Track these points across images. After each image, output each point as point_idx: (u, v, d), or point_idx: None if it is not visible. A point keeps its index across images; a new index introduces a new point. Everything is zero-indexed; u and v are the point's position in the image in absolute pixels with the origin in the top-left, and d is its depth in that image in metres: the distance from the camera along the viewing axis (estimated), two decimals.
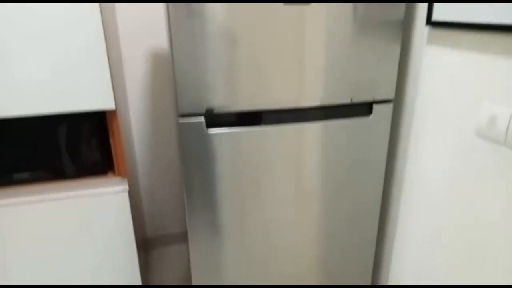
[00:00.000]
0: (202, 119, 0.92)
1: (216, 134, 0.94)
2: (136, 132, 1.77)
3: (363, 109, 1.02)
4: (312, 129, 1.00)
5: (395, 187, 1.17)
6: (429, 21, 0.94)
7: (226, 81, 0.90)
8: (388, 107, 1.03)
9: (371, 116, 1.02)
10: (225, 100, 0.92)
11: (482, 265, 0.87)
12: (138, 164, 1.83)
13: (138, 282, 1.40)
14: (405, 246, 1.15)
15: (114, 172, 1.29)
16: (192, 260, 1.07)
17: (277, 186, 1.03)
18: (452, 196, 0.94)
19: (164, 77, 1.72)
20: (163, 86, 1.74)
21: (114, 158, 1.23)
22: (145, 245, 1.96)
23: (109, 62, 1.09)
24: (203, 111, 0.92)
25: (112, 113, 1.16)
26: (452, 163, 0.93)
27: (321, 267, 1.17)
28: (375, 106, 1.02)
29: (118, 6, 1.54)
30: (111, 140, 1.21)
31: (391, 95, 1.02)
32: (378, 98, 1.01)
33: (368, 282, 1.26)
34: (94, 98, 1.10)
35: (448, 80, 0.93)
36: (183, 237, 2.07)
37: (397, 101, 1.10)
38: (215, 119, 0.95)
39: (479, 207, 0.87)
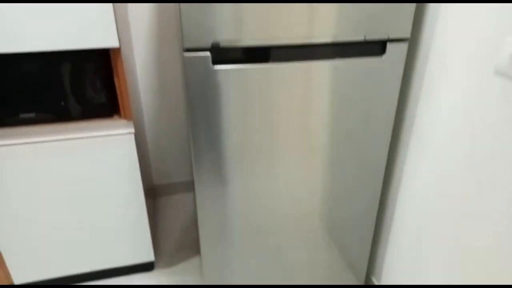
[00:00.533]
0: (208, 54, 0.89)
1: (222, 70, 0.91)
2: (141, 74, 1.74)
3: (376, 48, 0.98)
4: (322, 68, 0.96)
5: (404, 130, 1.14)
6: None
7: (233, 14, 0.86)
8: (403, 47, 0.98)
9: (384, 56, 0.98)
10: (232, 35, 0.88)
11: (489, 215, 0.86)
12: (143, 108, 1.82)
13: (146, 226, 1.42)
14: (412, 189, 1.14)
15: (119, 115, 1.28)
16: (198, 205, 1.07)
17: (284, 126, 1.01)
18: (466, 138, 0.92)
19: (169, 17, 1.66)
20: (168, 27, 1.68)
21: (119, 99, 1.22)
22: (152, 193, 1.99)
23: None
24: (209, 45, 0.89)
25: (116, 51, 1.12)
26: (468, 104, 0.90)
27: (325, 211, 1.18)
28: (389, 45, 0.97)
29: None
30: (115, 80, 1.18)
31: (407, 33, 0.97)
32: (392, 36, 0.96)
33: (372, 226, 1.26)
34: (98, 35, 1.07)
35: (470, 15, 0.87)
36: (189, 187, 2.09)
37: (413, 40, 1.05)
38: (221, 55, 0.91)
39: (494, 147, 0.85)
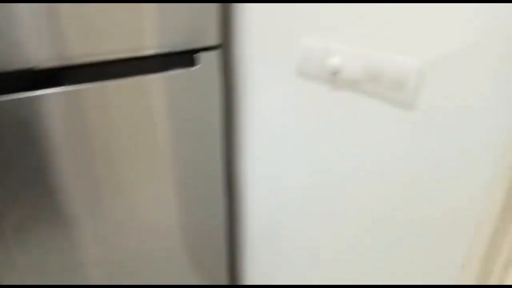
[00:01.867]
0: None
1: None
2: None
3: (186, 59, 0.90)
4: (130, 87, 0.84)
5: (236, 137, 1.10)
6: None
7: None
8: (214, 55, 0.92)
9: (195, 67, 0.90)
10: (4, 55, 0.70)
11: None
12: None
13: None
14: (254, 193, 1.11)
15: None
16: None
17: (111, 155, 0.87)
18: (286, 139, 0.91)
19: None
20: None
21: None
22: None
23: None
24: None
25: None
26: (281, 107, 0.88)
27: (178, 233, 1.07)
28: (198, 55, 0.89)
29: None
30: None
31: (215, 41, 0.91)
32: (201, 45, 0.89)
33: (224, 239, 1.20)
34: None
35: (270, 14, 0.84)
36: None
37: (225, 47, 0.99)
38: None
39: (311, 144, 0.84)
